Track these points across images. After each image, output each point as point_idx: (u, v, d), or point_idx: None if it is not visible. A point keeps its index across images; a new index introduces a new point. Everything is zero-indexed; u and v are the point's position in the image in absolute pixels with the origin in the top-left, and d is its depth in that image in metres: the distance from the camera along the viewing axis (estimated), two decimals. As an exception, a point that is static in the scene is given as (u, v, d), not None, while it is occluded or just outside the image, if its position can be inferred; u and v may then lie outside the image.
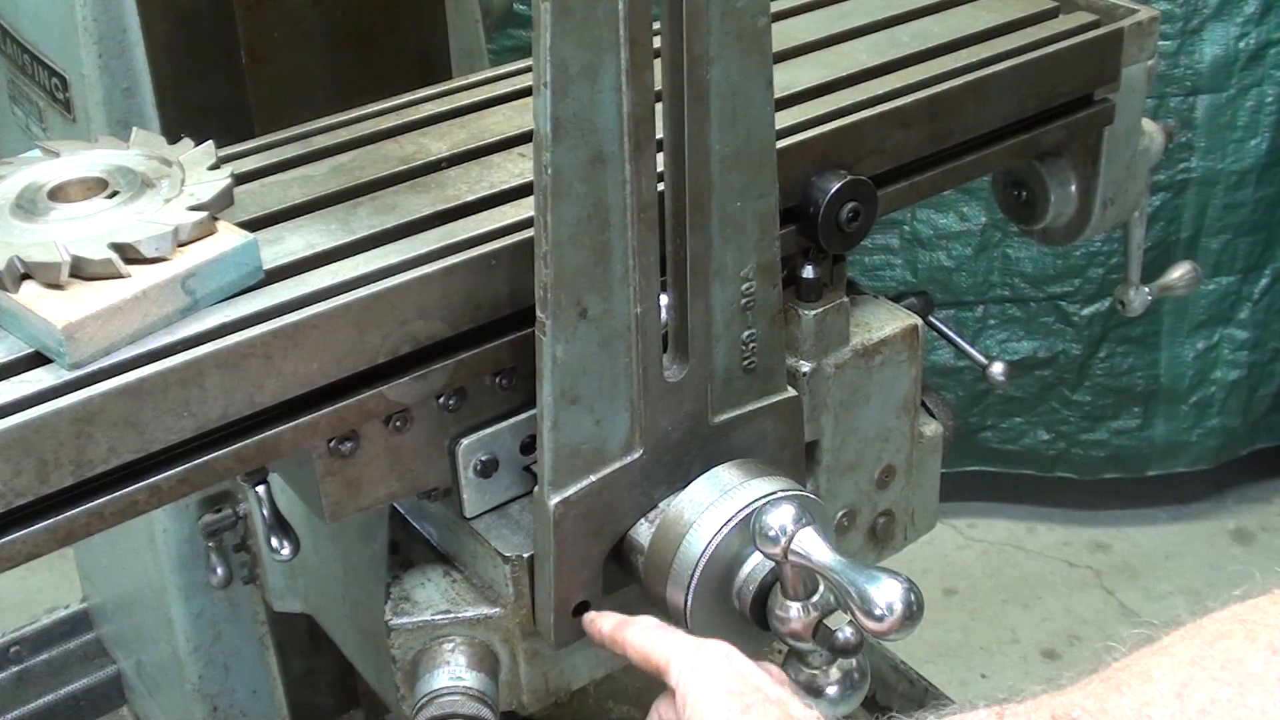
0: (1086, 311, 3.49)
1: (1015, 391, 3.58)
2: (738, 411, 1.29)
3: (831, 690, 1.20)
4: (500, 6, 2.07)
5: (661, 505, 1.26)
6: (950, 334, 1.68)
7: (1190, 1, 3.31)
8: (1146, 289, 1.91)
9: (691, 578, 1.21)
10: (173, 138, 1.30)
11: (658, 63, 1.17)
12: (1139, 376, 3.56)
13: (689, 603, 1.21)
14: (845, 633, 1.18)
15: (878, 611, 1.11)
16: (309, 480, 1.25)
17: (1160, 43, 1.98)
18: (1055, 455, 3.67)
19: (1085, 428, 3.63)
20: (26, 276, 1.11)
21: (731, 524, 1.21)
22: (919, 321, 1.49)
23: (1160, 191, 3.36)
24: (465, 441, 1.29)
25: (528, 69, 1.52)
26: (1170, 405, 3.59)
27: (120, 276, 1.11)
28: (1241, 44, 3.35)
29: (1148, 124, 1.77)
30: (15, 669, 2.47)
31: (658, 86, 1.16)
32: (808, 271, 1.39)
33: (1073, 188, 1.75)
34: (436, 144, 1.40)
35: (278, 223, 1.27)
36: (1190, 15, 3.32)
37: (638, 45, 1.12)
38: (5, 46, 1.88)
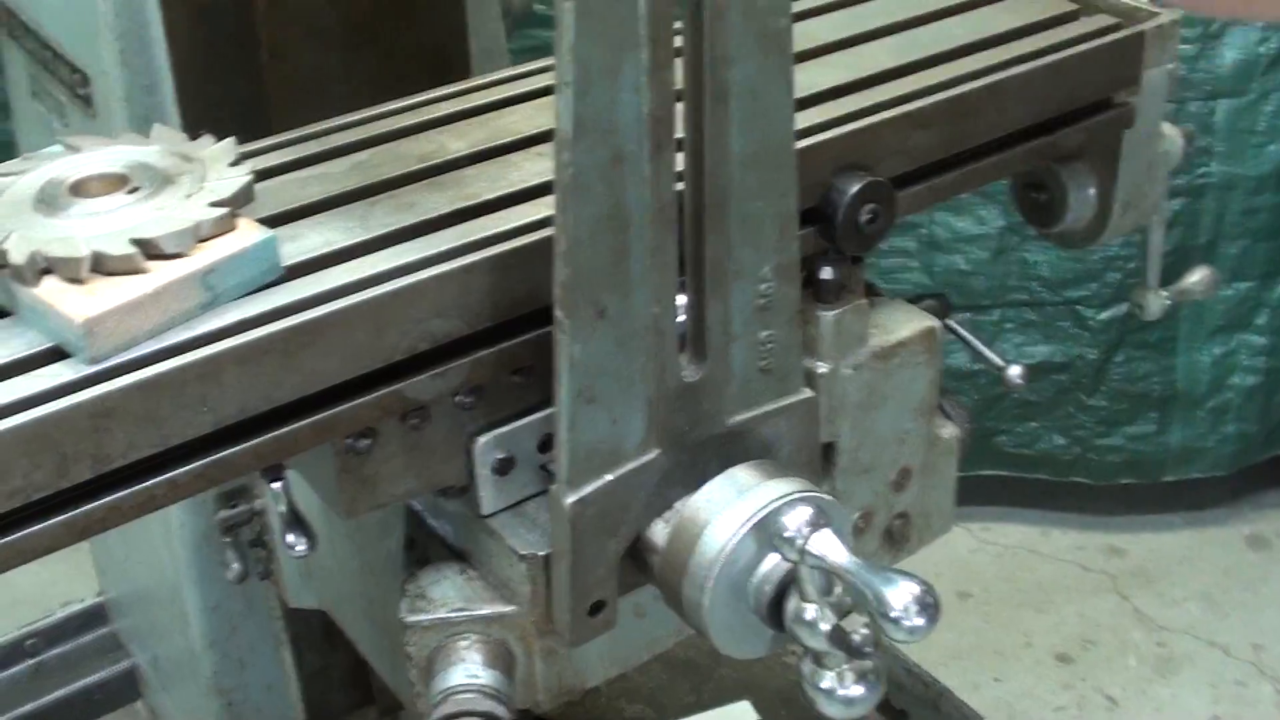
0: (1103, 316, 3.49)
1: (1031, 396, 3.58)
2: (754, 412, 1.29)
3: (846, 692, 1.20)
4: (520, 6, 2.07)
5: (677, 505, 1.26)
6: (967, 336, 1.68)
7: (1211, 5, 3.31)
8: (1164, 293, 1.90)
9: (707, 578, 1.21)
10: (193, 134, 1.30)
11: (678, 62, 1.17)
12: (1155, 382, 3.56)
13: (705, 603, 1.21)
14: (861, 634, 1.18)
15: (894, 613, 1.11)
16: (326, 476, 1.25)
17: (1180, 47, 1.97)
18: (1071, 460, 3.66)
19: (1101, 433, 3.63)
20: (47, 271, 1.11)
21: (748, 525, 1.21)
22: (937, 324, 1.49)
23: (1179, 196, 3.36)
24: (482, 439, 1.29)
25: (547, 68, 1.52)
26: (1187, 411, 3.59)
27: (140, 272, 1.11)
28: (1262, 49, 3.35)
29: (1168, 128, 1.77)
30: (31, 662, 2.48)
31: (678, 86, 1.16)
32: (826, 273, 1.39)
33: (1091, 191, 1.75)
34: (455, 142, 1.40)
35: (297, 220, 1.27)
36: (1210, 20, 3.32)
37: (659, 45, 1.12)
38: (27, 42, 1.89)
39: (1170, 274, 1.93)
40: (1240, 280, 3.50)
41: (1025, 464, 3.70)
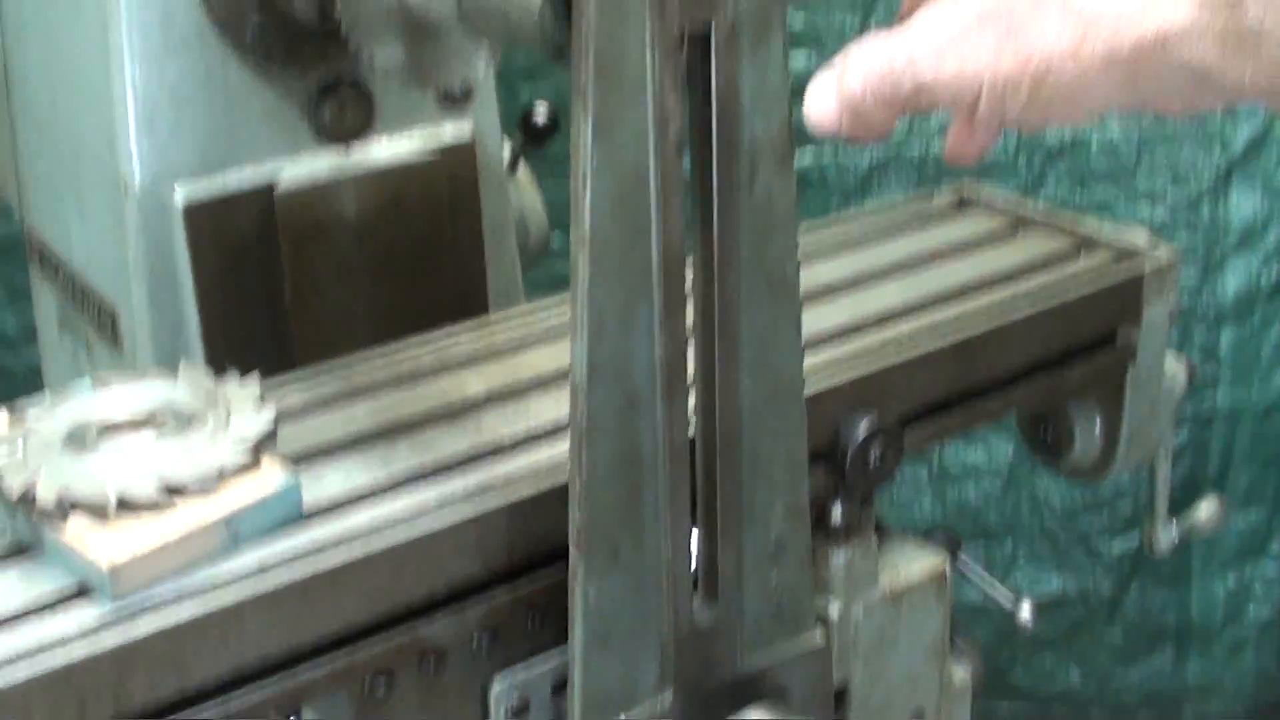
0: (1117, 546, 3.48)
1: (1046, 629, 3.55)
2: (767, 655, 1.29)
3: None
4: (536, 242, 2.12)
5: (691, 749, 1.26)
6: (978, 574, 1.69)
7: (1212, 235, 3.37)
8: (1174, 527, 1.91)
9: (720, 823, 1.20)
10: (218, 370, 1.33)
11: (689, 305, 1.20)
12: (1171, 614, 3.53)
13: (717, 847, 1.21)
14: None
15: None
16: (341, 718, 1.25)
17: (1183, 276, 2.02)
18: (1088, 695, 3.61)
19: (1118, 666, 3.58)
20: (73, 509, 1.14)
21: (761, 768, 1.21)
22: (947, 562, 1.50)
23: (1187, 424, 3.38)
24: (497, 682, 1.28)
25: (563, 306, 1.56)
26: (1203, 644, 3.55)
27: (165, 512, 1.13)
28: (1264, 276, 3.40)
29: (1171, 361, 1.80)
30: None
31: (690, 327, 1.19)
32: (836, 512, 1.40)
33: (1097, 425, 1.77)
34: (474, 381, 1.43)
35: (319, 459, 1.29)
36: (1212, 248, 3.38)
37: (671, 291, 1.15)
38: (56, 277, 1.94)
39: (1182, 502, 1.93)
40: (1252, 508, 3.50)
41: (1042, 699, 3.64)
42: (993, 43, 0.86)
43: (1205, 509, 1.92)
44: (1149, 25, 0.83)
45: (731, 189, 1.16)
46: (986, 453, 3.44)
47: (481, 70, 1.63)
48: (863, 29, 3.24)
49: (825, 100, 0.94)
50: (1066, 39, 0.84)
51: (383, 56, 1.52)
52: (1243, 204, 3.36)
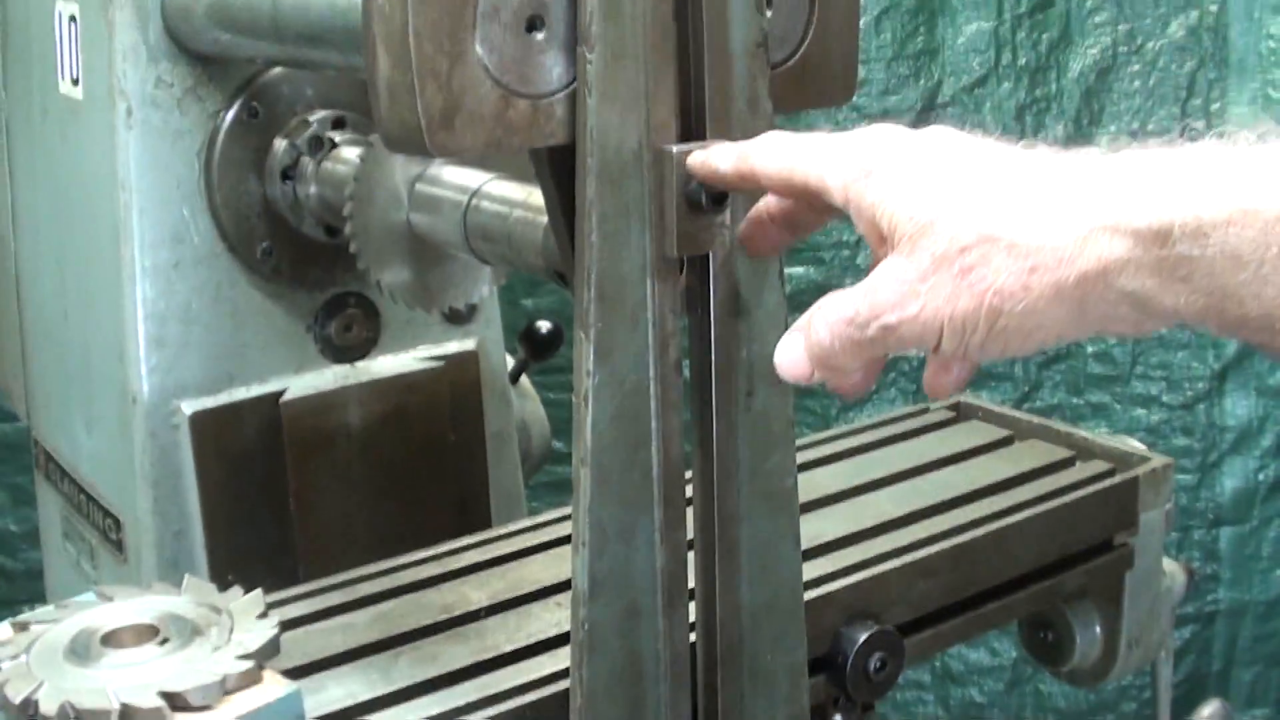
0: (1122, 748, 3.45)
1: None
2: None
3: None
4: (539, 449, 2.14)
5: None
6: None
7: (1208, 437, 3.40)
8: (1178, 730, 1.91)
9: None
10: (221, 580, 1.34)
11: (689, 513, 1.22)
12: (1179, 817, 3.49)
13: None
14: None
15: None
16: None
17: (1180, 477, 2.03)
18: None
19: None
20: (75, 721, 1.14)
21: None
22: (949, 770, 1.49)
23: (1189, 623, 3.37)
24: None
25: (564, 518, 1.57)
26: (1213, 847, 3.49)
27: (167, 725, 1.14)
28: (1261, 476, 3.43)
29: (1169, 564, 1.81)
30: None
31: (690, 537, 1.20)
32: (837, 721, 1.41)
33: (1097, 629, 1.77)
34: (476, 593, 1.44)
35: (320, 671, 1.30)
36: (1209, 450, 3.41)
37: (671, 505, 1.17)
38: (63, 485, 1.96)
39: (1186, 699, 1.93)
40: (1257, 707, 3.47)
41: None
42: (949, 284, 0.91)
43: (1209, 710, 1.91)
44: (1090, 259, 0.89)
45: (730, 405, 1.19)
46: (990, 652, 3.42)
47: (486, 290, 1.67)
48: (859, 241, 3.31)
49: (794, 351, 0.99)
50: (1016, 276, 0.90)
51: (390, 278, 1.57)
52: (1238, 406, 3.40)
